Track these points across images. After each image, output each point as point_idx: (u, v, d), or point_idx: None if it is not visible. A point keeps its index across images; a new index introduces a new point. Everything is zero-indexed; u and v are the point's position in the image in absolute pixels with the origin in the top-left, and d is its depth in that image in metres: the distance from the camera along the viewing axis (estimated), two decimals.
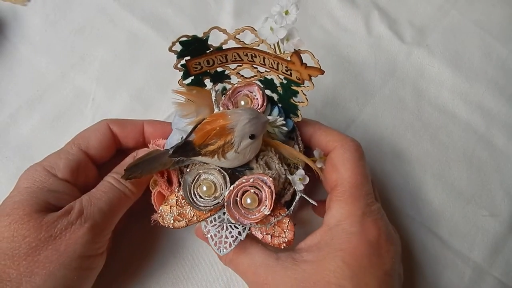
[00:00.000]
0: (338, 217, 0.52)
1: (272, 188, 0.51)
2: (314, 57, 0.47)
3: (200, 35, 0.51)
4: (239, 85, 0.57)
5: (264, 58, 0.52)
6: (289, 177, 0.53)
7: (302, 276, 0.50)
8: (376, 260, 0.50)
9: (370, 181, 0.55)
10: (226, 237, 0.52)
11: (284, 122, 0.56)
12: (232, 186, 0.51)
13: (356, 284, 0.49)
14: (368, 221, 0.51)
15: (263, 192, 0.51)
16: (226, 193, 0.51)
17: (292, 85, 0.52)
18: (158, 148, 0.57)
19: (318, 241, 0.52)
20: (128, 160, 0.57)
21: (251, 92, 0.57)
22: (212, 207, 0.52)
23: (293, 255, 0.52)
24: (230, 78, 0.58)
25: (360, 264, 0.49)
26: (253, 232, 0.53)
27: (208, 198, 0.52)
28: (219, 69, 0.56)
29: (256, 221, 0.51)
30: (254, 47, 0.52)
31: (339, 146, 0.55)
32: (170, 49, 0.50)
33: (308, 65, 0.48)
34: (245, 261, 0.54)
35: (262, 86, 0.57)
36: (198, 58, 0.53)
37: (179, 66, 0.53)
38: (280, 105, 0.57)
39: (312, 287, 0.49)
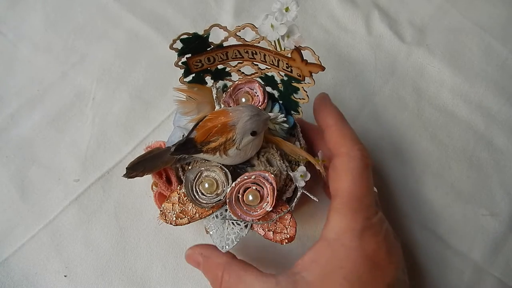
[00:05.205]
0: (336, 230, 0.50)
1: (274, 184, 0.51)
2: (314, 53, 0.47)
3: (200, 33, 0.51)
4: (240, 82, 0.57)
5: (264, 55, 0.52)
6: (291, 173, 0.53)
7: None
8: (378, 274, 0.50)
9: (373, 192, 0.53)
10: (228, 234, 0.52)
11: (285, 119, 0.56)
12: (233, 183, 0.51)
13: None
14: (368, 235, 0.50)
15: (264, 189, 0.52)
16: (228, 190, 0.52)
17: (293, 81, 0.52)
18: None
19: (318, 258, 0.50)
20: None
21: (252, 89, 0.57)
22: (214, 204, 0.52)
23: (293, 278, 0.50)
24: (231, 76, 0.58)
25: (361, 280, 0.48)
26: (255, 229, 0.53)
27: (210, 195, 0.52)
28: (220, 67, 0.56)
29: (258, 217, 0.52)
30: (255, 44, 0.52)
31: (344, 153, 0.53)
32: (171, 47, 0.51)
33: (308, 61, 0.48)
34: None
35: (263, 83, 0.57)
36: (199, 55, 0.53)
37: (180, 63, 0.53)
38: (281, 102, 0.57)
39: None
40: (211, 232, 0.52)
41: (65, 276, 0.63)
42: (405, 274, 0.54)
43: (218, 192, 0.52)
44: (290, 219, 0.53)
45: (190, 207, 0.53)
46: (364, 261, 0.49)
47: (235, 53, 0.54)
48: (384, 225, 0.53)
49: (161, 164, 0.53)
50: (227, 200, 0.51)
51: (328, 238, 0.51)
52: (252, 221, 0.52)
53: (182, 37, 0.50)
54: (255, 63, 0.55)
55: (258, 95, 0.57)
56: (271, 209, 0.51)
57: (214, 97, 0.56)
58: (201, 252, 0.55)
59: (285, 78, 0.53)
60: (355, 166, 0.52)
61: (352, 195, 0.51)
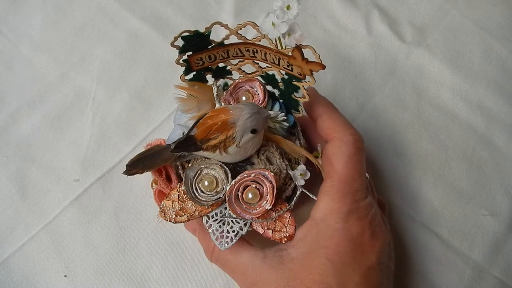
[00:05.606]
0: (324, 212, 0.51)
1: (274, 183, 0.51)
2: (315, 52, 0.47)
3: (202, 30, 0.51)
4: (240, 81, 0.57)
5: (265, 54, 0.52)
6: (290, 172, 0.53)
7: (288, 275, 0.50)
8: (360, 256, 0.50)
9: (364, 176, 0.54)
10: (228, 232, 0.52)
11: (285, 117, 0.56)
12: (233, 181, 0.51)
13: (339, 280, 0.49)
14: (353, 218, 0.51)
15: (264, 187, 0.51)
16: (228, 187, 0.51)
17: (293, 80, 0.52)
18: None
19: (304, 236, 0.52)
20: None
21: (252, 88, 0.57)
22: (213, 202, 0.52)
23: (280, 253, 0.52)
24: (231, 74, 0.58)
25: (343, 261, 0.49)
26: (254, 227, 0.53)
27: (209, 193, 0.52)
28: (221, 65, 0.56)
29: (257, 216, 0.51)
30: (256, 43, 0.52)
31: (337, 138, 0.54)
32: (172, 44, 0.50)
33: (309, 60, 0.48)
34: (232, 260, 0.54)
35: (264, 81, 0.57)
36: (200, 53, 0.53)
37: (181, 61, 0.53)
38: (281, 100, 0.57)
39: (299, 285, 0.49)
40: (210, 230, 0.52)
41: (65, 276, 0.63)
42: (391, 261, 0.55)
43: (217, 190, 0.52)
44: (289, 218, 0.53)
45: (189, 205, 0.52)
46: (347, 242, 0.50)
47: (236, 51, 0.54)
48: (371, 210, 0.53)
49: (161, 162, 0.53)
50: (227, 198, 0.51)
51: (316, 219, 0.52)
52: (252, 219, 0.52)
53: (183, 34, 0.50)
54: (256, 61, 0.55)
55: (258, 94, 0.56)
56: (270, 207, 0.51)
57: (215, 95, 0.56)
58: (198, 220, 0.56)
59: (286, 77, 0.53)
60: (347, 150, 0.53)
61: (342, 178, 0.52)
